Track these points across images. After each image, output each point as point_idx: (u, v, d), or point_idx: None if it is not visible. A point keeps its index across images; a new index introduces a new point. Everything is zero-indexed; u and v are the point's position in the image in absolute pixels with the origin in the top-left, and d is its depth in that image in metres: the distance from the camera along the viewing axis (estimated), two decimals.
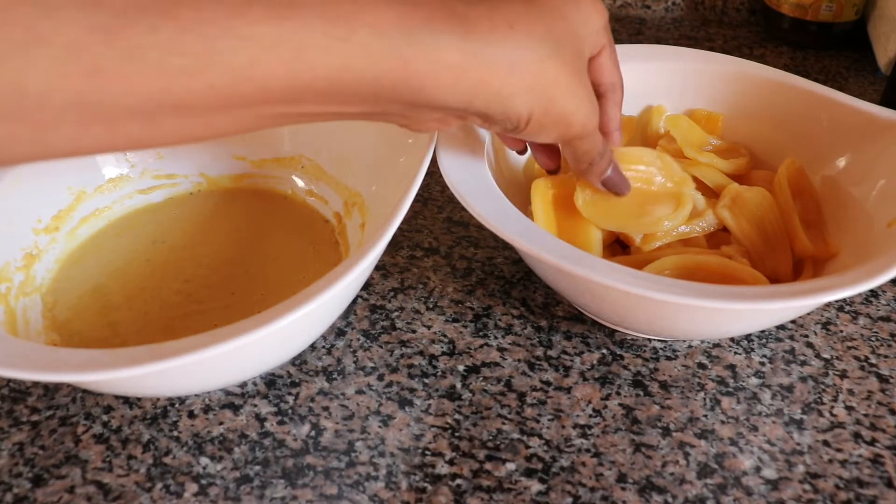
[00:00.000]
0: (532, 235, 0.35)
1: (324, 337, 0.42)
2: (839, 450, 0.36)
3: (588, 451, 0.36)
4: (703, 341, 0.42)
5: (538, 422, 0.37)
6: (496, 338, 0.42)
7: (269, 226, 0.45)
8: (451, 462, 0.35)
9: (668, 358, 0.41)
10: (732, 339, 0.42)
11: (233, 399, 0.38)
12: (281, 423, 0.37)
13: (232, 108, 0.25)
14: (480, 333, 0.42)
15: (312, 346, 0.41)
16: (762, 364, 0.40)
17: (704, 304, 0.31)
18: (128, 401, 0.38)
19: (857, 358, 0.41)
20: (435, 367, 0.40)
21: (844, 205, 0.43)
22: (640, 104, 0.50)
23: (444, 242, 0.48)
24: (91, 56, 0.22)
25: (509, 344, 0.41)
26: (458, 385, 0.39)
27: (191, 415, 0.37)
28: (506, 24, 0.28)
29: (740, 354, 0.41)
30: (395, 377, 0.39)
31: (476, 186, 0.38)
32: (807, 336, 0.42)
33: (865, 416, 0.38)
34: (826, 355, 0.41)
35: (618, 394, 0.39)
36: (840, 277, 0.33)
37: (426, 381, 0.39)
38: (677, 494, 0.34)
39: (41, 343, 0.37)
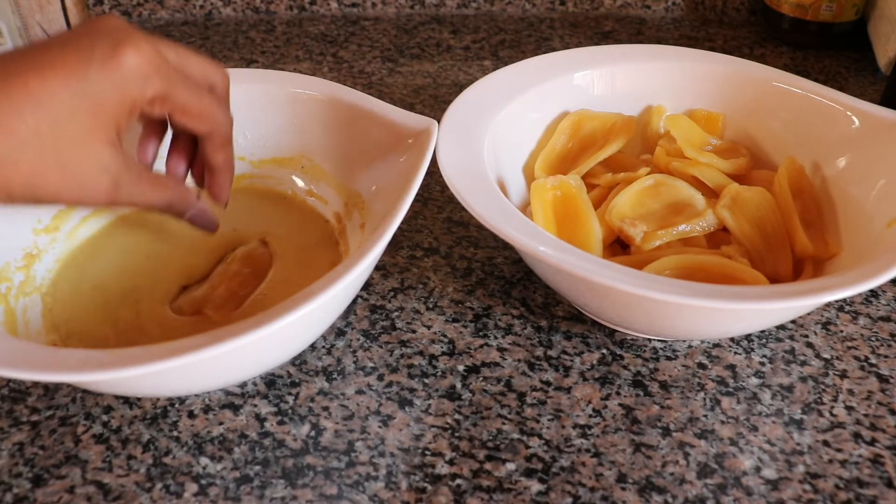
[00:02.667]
0: (532, 235, 0.35)
1: (324, 337, 0.42)
2: (839, 450, 0.36)
3: (588, 451, 0.36)
4: (703, 341, 0.42)
5: (538, 422, 0.37)
6: (496, 338, 0.42)
7: (269, 226, 0.45)
8: (451, 462, 0.35)
9: (668, 358, 0.41)
10: (732, 339, 0.42)
11: (233, 399, 0.38)
12: (281, 423, 0.37)
13: None
14: (480, 333, 0.42)
15: (312, 346, 0.41)
16: (762, 364, 0.40)
17: (704, 304, 0.31)
18: (128, 401, 0.38)
19: (857, 358, 0.41)
20: (435, 367, 0.40)
21: (844, 205, 0.43)
22: (640, 104, 0.50)
23: (444, 242, 0.48)
24: None
25: (509, 344, 0.41)
26: (458, 385, 0.39)
27: (191, 415, 0.37)
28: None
29: (740, 354, 0.41)
30: (395, 377, 0.39)
31: (476, 186, 0.38)
32: (807, 336, 0.42)
33: (865, 416, 0.38)
34: (826, 355, 0.41)
35: (618, 394, 0.39)
36: (840, 277, 0.33)
37: (426, 381, 0.39)
38: (677, 494, 0.34)
39: (41, 343, 0.37)
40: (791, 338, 0.42)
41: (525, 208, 0.45)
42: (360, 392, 0.39)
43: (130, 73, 0.32)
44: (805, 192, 0.44)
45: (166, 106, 0.34)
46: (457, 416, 0.37)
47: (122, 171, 0.33)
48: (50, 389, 0.39)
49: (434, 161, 0.39)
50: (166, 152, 0.40)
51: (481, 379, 0.39)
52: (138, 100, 0.33)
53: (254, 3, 0.81)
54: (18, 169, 0.30)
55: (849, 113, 0.44)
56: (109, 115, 0.32)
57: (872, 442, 0.36)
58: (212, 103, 0.36)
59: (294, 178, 0.47)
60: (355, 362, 0.40)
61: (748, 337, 0.42)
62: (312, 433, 0.37)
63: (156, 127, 0.39)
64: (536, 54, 0.51)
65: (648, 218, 0.42)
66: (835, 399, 0.39)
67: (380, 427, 0.37)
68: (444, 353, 0.41)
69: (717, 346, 0.41)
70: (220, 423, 0.37)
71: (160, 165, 0.40)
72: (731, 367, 0.40)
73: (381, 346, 0.41)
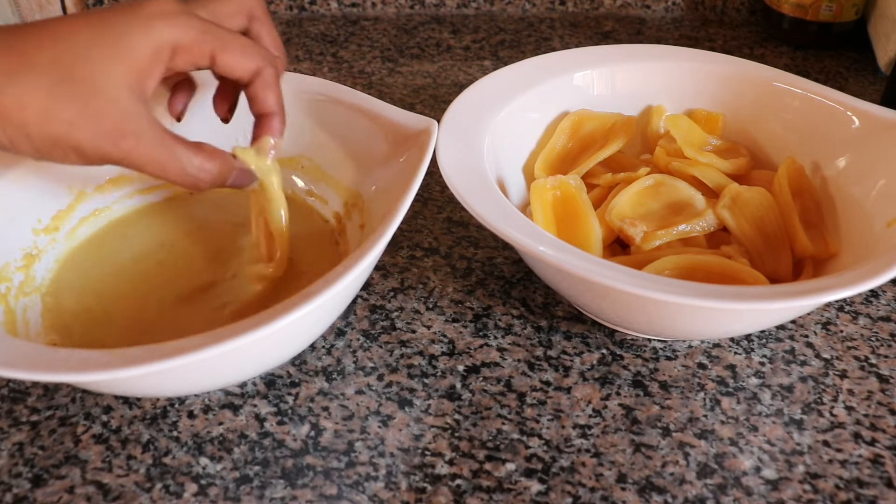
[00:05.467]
0: (532, 235, 0.35)
1: (324, 337, 0.42)
2: (839, 450, 0.36)
3: (588, 451, 0.36)
4: (703, 341, 0.42)
5: (538, 422, 0.37)
6: (496, 338, 0.42)
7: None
8: (450, 462, 0.35)
9: (668, 358, 0.41)
10: (732, 339, 0.42)
11: (232, 399, 0.38)
12: (280, 423, 0.37)
13: None
14: (480, 333, 0.42)
15: (312, 346, 0.41)
16: (762, 364, 0.40)
17: (704, 304, 0.31)
18: (127, 401, 0.38)
19: (857, 358, 0.41)
20: (435, 367, 0.40)
21: (844, 205, 0.43)
22: (640, 104, 0.50)
23: (444, 242, 0.48)
24: None
25: (509, 344, 0.41)
26: (458, 385, 0.39)
27: (190, 415, 0.37)
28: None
29: (740, 354, 0.41)
30: (395, 377, 0.39)
31: (476, 186, 0.38)
32: (807, 336, 0.42)
33: (865, 416, 0.38)
34: (826, 355, 0.41)
35: (618, 394, 0.39)
36: (840, 277, 0.33)
37: (426, 381, 0.39)
38: (677, 494, 0.34)
39: (41, 343, 0.37)
40: (791, 338, 0.42)
41: (525, 208, 0.45)
42: (359, 392, 0.39)
43: (158, 12, 0.31)
44: (805, 192, 0.44)
45: (205, 46, 0.33)
46: (457, 416, 0.37)
47: (145, 122, 0.31)
48: (50, 389, 0.39)
49: (434, 161, 0.39)
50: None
51: (481, 379, 0.39)
52: (167, 42, 0.31)
53: None
54: (34, 96, 0.29)
55: (849, 113, 0.44)
56: (132, 56, 0.31)
57: (872, 442, 0.36)
58: (250, 41, 0.35)
59: (294, 178, 0.47)
60: (355, 362, 0.40)
61: (748, 337, 0.42)
62: (312, 433, 0.37)
63: (185, 84, 0.38)
64: (536, 54, 0.51)
65: (648, 218, 0.42)
66: (835, 399, 0.39)
67: (380, 427, 0.37)
68: (443, 353, 0.41)
69: (717, 346, 0.41)
70: (220, 424, 0.37)
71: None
72: (731, 367, 0.40)
73: (380, 346, 0.41)
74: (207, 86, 0.42)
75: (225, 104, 0.40)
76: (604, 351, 0.41)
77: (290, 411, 0.38)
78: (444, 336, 0.42)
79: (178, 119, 0.40)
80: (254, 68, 0.35)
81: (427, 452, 0.36)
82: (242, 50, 0.34)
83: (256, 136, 0.38)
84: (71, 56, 0.30)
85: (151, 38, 0.31)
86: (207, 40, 0.33)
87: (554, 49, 0.73)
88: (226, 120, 0.40)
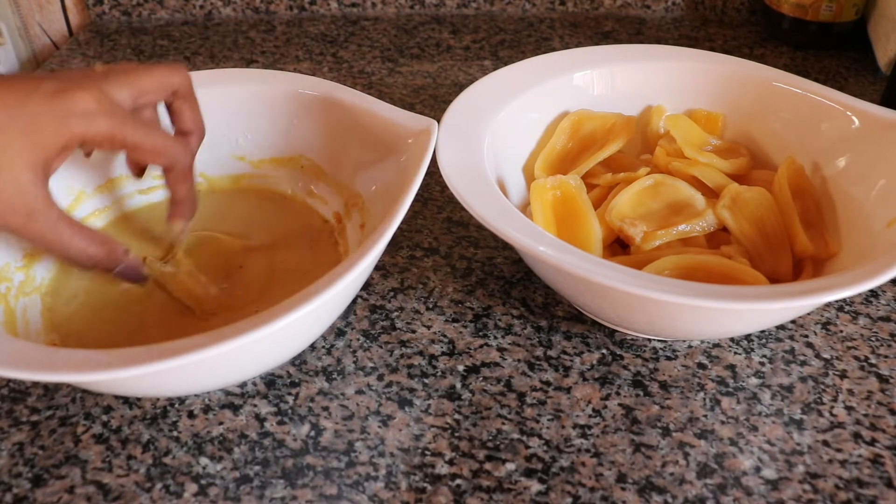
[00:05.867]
0: (532, 235, 0.35)
1: (324, 337, 0.42)
2: (839, 450, 0.36)
3: (588, 451, 0.36)
4: (703, 341, 0.42)
5: (538, 422, 0.37)
6: (496, 338, 0.42)
7: (269, 226, 0.45)
8: (450, 462, 0.35)
9: (668, 358, 0.41)
10: (732, 339, 0.42)
11: (233, 399, 0.38)
12: (281, 423, 0.37)
13: None
14: (480, 333, 0.42)
15: (312, 346, 0.41)
16: (762, 364, 0.40)
17: (704, 304, 0.31)
18: (128, 401, 0.38)
19: (857, 358, 0.41)
20: (435, 367, 0.40)
21: (844, 205, 0.43)
22: (640, 104, 0.50)
23: (444, 242, 0.48)
24: None
25: (509, 344, 0.41)
26: (458, 385, 0.39)
27: (190, 415, 0.37)
28: None
29: (740, 354, 0.41)
30: (395, 377, 0.39)
31: (476, 186, 0.38)
32: (807, 336, 0.42)
33: (865, 416, 0.38)
34: (826, 355, 0.41)
35: (618, 394, 0.39)
36: (840, 277, 0.33)
37: (426, 381, 0.39)
38: (677, 494, 0.34)
39: (41, 343, 0.37)
40: (791, 338, 0.42)
41: (525, 208, 0.45)
42: (359, 392, 0.39)
43: (75, 111, 0.32)
44: (805, 192, 0.44)
45: (116, 144, 0.34)
46: (457, 416, 0.37)
47: (40, 203, 0.32)
48: (50, 389, 0.39)
49: (434, 161, 0.39)
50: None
51: (481, 379, 0.39)
52: (78, 136, 0.32)
53: (254, 3, 0.81)
54: None
55: (849, 113, 0.44)
56: (40, 142, 0.32)
57: (872, 442, 0.36)
58: (165, 139, 0.36)
59: (294, 178, 0.47)
60: (355, 362, 0.40)
61: (748, 337, 0.42)
62: (312, 433, 0.37)
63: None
64: (536, 54, 0.51)
65: (648, 218, 0.42)
66: (835, 399, 0.39)
67: (380, 427, 0.37)
68: (443, 353, 0.41)
69: (717, 346, 0.41)
70: (220, 423, 0.37)
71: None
72: (731, 367, 0.40)
73: (380, 346, 0.41)
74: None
75: (137, 168, 0.43)
76: (604, 351, 0.41)
77: (290, 411, 0.38)
78: (444, 336, 0.42)
79: (139, 177, 0.43)
80: (164, 164, 0.37)
81: (427, 452, 0.36)
82: (154, 149, 0.36)
83: (170, 217, 0.41)
84: None
85: (62, 135, 0.32)
86: (118, 139, 0.34)
87: (554, 49, 0.73)
88: (138, 176, 0.43)
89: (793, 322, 0.43)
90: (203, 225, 0.45)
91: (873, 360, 0.41)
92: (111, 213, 0.45)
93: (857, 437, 0.37)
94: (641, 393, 0.39)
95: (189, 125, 0.39)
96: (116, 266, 0.36)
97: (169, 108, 0.39)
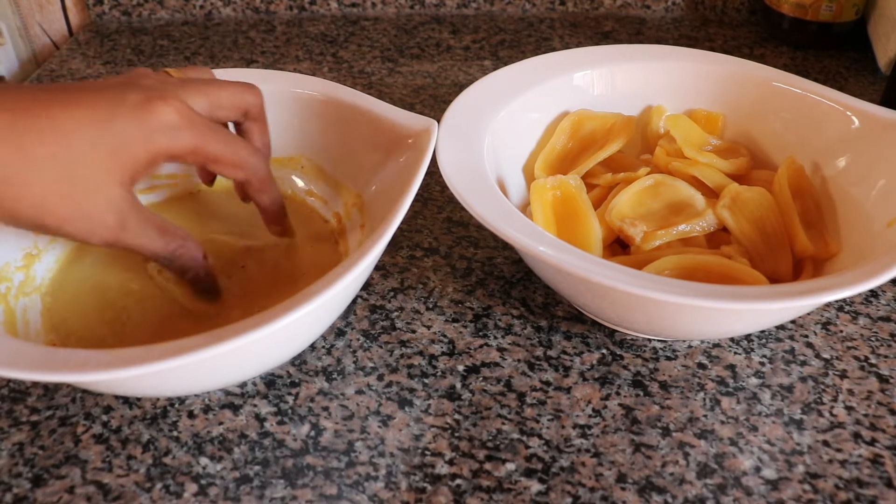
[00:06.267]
0: (532, 235, 0.35)
1: (324, 337, 0.42)
2: (839, 450, 0.36)
3: (588, 451, 0.36)
4: (703, 341, 0.42)
5: (538, 422, 0.37)
6: (496, 338, 0.42)
7: None
8: (450, 462, 0.35)
9: (668, 358, 0.41)
10: (732, 339, 0.42)
11: (233, 399, 0.38)
12: (281, 423, 0.37)
13: None
14: (480, 333, 0.42)
15: (312, 346, 0.41)
16: (762, 364, 0.40)
17: (704, 304, 0.31)
18: (128, 401, 0.38)
19: (857, 358, 0.41)
20: (435, 367, 0.40)
21: (844, 205, 0.43)
22: (640, 104, 0.50)
23: (444, 242, 0.48)
24: None
25: (509, 344, 0.41)
26: (458, 385, 0.39)
27: (190, 415, 0.37)
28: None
29: (740, 354, 0.41)
30: (395, 377, 0.39)
31: (476, 186, 0.38)
32: (807, 336, 0.42)
33: (865, 416, 0.38)
34: (826, 355, 0.41)
35: (618, 394, 0.39)
36: (840, 277, 0.33)
37: (426, 381, 0.39)
38: (677, 494, 0.34)
39: (41, 343, 0.37)
40: (791, 338, 0.42)
41: (525, 208, 0.45)
42: (359, 392, 0.39)
43: (160, 125, 0.32)
44: (805, 192, 0.44)
45: (199, 157, 0.34)
46: (457, 416, 0.37)
47: (130, 212, 0.33)
48: (50, 389, 0.39)
49: (434, 161, 0.39)
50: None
51: (481, 379, 0.39)
52: (163, 152, 0.33)
53: (254, 3, 0.81)
54: (30, 190, 0.30)
55: (849, 113, 0.44)
56: (129, 159, 0.32)
57: (872, 442, 0.36)
58: (245, 152, 0.36)
59: (294, 178, 0.47)
60: (355, 362, 0.40)
61: (748, 337, 0.42)
62: (312, 433, 0.37)
63: None
64: (536, 54, 0.51)
65: (648, 218, 0.42)
66: (835, 399, 0.39)
67: (380, 427, 0.37)
68: (443, 353, 0.41)
69: (717, 346, 0.41)
70: (220, 423, 0.37)
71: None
72: (731, 367, 0.40)
73: (380, 346, 0.41)
74: None
75: (208, 177, 0.44)
76: (604, 351, 0.41)
77: (290, 411, 0.38)
78: (444, 336, 0.42)
79: (210, 185, 0.45)
80: (242, 179, 0.37)
81: (427, 452, 0.36)
82: (234, 163, 0.36)
83: (266, 225, 0.42)
84: (71, 155, 0.31)
85: (149, 152, 0.33)
86: (201, 153, 0.34)
87: (554, 49, 0.73)
88: (209, 185, 0.45)
89: (793, 322, 0.43)
90: (203, 225, 0.45)
91: (873, 360, 0.41)
92: None
93: (857, 437, 0.37)
94: (641, 393, 0.39)
95: (258, 146, 0.40)
96: (191, 267, 0.37)
97: (238, 127, 0.39)
